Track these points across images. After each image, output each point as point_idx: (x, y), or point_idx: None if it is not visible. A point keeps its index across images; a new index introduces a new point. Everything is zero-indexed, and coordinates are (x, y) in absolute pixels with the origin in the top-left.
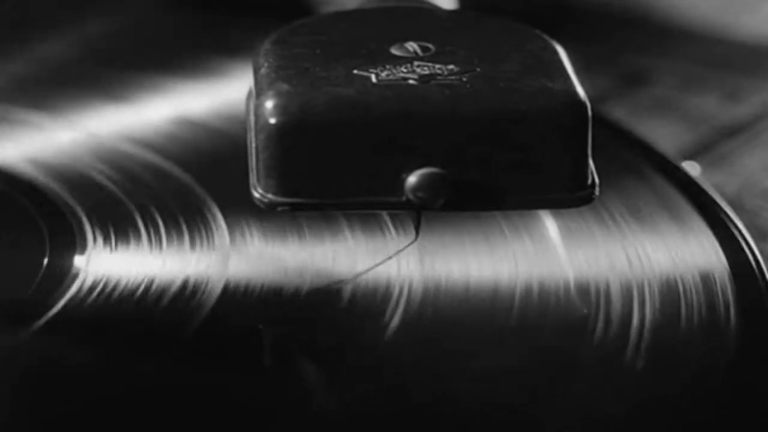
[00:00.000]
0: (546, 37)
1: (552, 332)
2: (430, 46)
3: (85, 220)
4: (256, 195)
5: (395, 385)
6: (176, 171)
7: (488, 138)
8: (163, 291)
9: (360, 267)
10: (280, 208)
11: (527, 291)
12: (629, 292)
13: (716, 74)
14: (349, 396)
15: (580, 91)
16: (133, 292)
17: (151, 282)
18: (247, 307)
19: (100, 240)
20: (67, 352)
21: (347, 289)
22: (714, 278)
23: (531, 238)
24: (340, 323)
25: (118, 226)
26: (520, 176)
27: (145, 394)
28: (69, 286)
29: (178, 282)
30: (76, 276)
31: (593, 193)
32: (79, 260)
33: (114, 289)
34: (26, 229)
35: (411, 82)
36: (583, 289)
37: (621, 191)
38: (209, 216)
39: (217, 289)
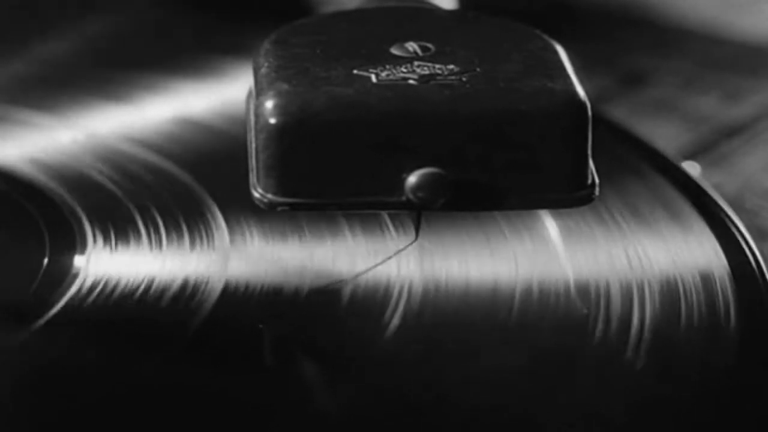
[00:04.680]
0: (546, 37)
1: (552, 332)
2: (430, 46)
3: (85, 220)
4: (256, 195)
5: (395, 385)
6: (176, 171)
7: (488, 138)
8: (163, 291)
9: (360, 267)
10: (280, 208)
11: (527, 291)
12: (629, 292)
13: (716, 74)
14: (349, 396)
15: (580, 91)
16: (133, 292)
17: (151, 282)
18: (247, 307)
19: (100, 240)
20: (67, 352)
21: (347, 289)
22: (714, 278)
23: (531, 238)
24: (340, 323)
25: (118, 226)
26: (520, 176)
27: (145, 394)
28: (69, 286)
29: (178, 282)
30: (76, 276)
31: (593, 193)
32: (79, 260)
33: (114, 289)
34: (26, 229)
35: (411, 82)
36: (583, 289)
37: (621, 191)
38: (209, 216)
39: (217, 289)
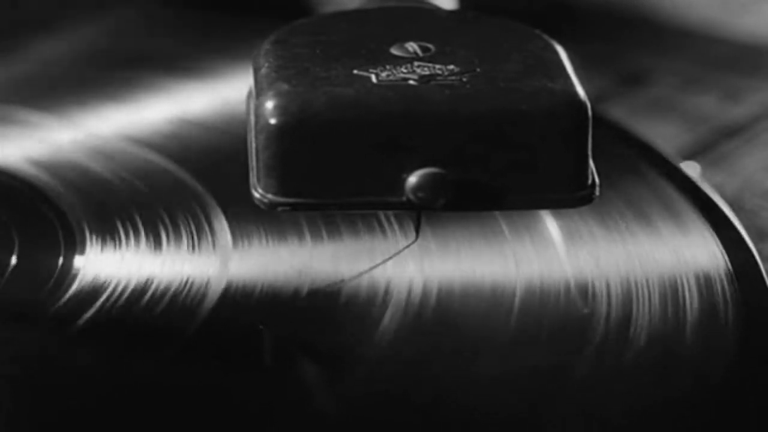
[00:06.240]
0: (546, 37)
1: (552, 332)
2: (430, 46)
3: (85, 220)
4: (256, 195)
5: (395, 385)
6: (176, 171)
7: (488, 138)
8: (163, 291)
9: (360, 267)
10: (280, 208)
11: (527, 291)
12: (629, 292)
13: (716, 74)
14: (349, 396)
15: (580, 91)
16: (133, 292)
17: (151, 282)
18: (247, 307)
19: (100, 240)
20: (67, 352)
21: (347, 289)
22: (714, 278)
23: (531, 238)
24: (340, 323)
25: (118, 226)
26: (521, 176)
27: (145, 394)
28: (69, 286)
29: (178, 282)
30: (76, 276)
31: (593, 193)
32: (79, 260)
33: (114, 289)
34: (26, 229)
35: (411, 82)
36: (583, 289)
37: (621, 191)
38: (209, 216)
39: (218, 289)
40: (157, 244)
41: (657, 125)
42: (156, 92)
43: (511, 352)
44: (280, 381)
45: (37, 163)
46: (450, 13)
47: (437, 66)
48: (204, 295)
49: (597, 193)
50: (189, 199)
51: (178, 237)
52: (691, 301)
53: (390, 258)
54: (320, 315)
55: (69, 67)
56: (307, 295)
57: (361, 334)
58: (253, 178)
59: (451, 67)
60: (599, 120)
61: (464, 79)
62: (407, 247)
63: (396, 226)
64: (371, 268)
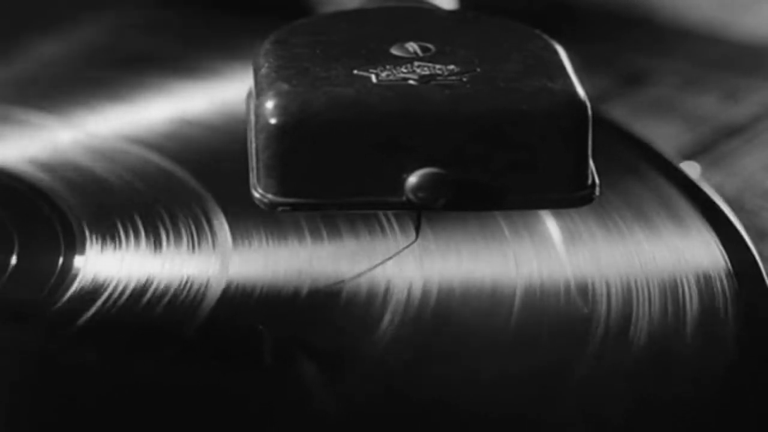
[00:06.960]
0: (546, 37)
1: (552, 332)
2: (430, 46)
3: (85, 220)
4: (256, 195)
5: (395, 385)
6: (176, 170)
7: (488, 138)
8: (163, 291)
9: (360, 267)
10: (280, 208)
11: (527, 291)
12: (629, 292)
13: (716, 74)
14: (349, 396)
15: (580, 91)
16: (133, 292)
17: (151, 282)
18: (247, 307)
19: (100, 240)
20: (67, 352)
21: (347, 290)
22: (714, 278)
23: (531, 238)
24: (340, 324)
25: (118, 226)
26: (521, 176)
27: (145, 394)
28: (69, 286)
29: (178, 282)
30: (76, 276)
31: (593, 193)
32: (79, 260)
33: (114, 289)
34: (26, 230)
35: (411, 82)
36: (583, 289)
37: (621, 191)
38: (209, 216)
39: (218, 289)
40: (157, 244)
41: (657, 125)
42: (156, 92)
43: (511, 352)
44: (280, 381)
45: (37, 163)
46: (450, 13)
47: (437, 66)
48: (204, 295)
49: (597, 193)
50: (189, 199)
51: (178, 237)
52: (691, 301)
53: (390, 258)
54: (320, 315)
55: (69, 67)
56: (307, 295)
57: (361, 334)
58: (253, 178)
59: (451, 67)
60: (599, 120)
61: (464, 79)
62: (407, 247)
63: (396, 226)
64: (371, 268)
